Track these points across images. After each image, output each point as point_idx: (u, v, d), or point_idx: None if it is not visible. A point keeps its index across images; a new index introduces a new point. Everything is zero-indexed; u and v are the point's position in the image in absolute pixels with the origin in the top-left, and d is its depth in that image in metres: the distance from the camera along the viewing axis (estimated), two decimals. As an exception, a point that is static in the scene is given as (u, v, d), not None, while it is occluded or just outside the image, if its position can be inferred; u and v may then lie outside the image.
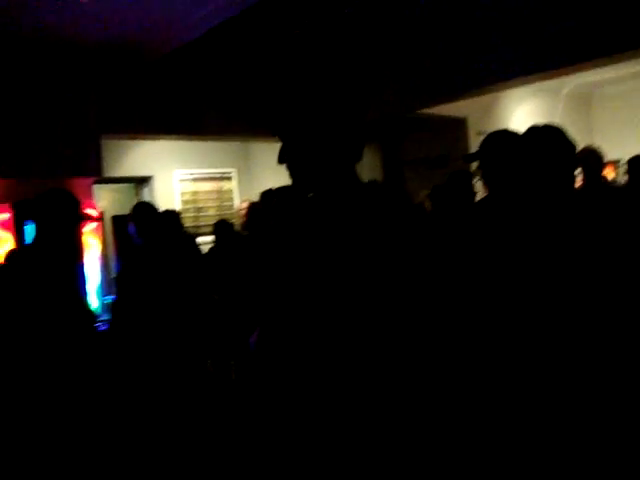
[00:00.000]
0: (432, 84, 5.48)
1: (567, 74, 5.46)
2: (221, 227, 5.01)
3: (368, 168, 6.02)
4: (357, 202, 1.40)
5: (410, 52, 5.55)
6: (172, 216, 4.83)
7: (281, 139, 1.44)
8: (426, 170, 6.64)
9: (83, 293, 2.58)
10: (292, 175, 1.44)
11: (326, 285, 1.35)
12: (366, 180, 1.50)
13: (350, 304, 1.32)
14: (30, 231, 4.47)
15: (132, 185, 7.54)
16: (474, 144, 7.09)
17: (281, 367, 1.43)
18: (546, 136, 2.05)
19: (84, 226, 2.56)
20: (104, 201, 6.86)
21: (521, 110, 7.79)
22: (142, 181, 7.45)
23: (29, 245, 2.44)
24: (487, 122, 6.89)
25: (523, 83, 5.59)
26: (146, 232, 3.80)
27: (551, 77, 5.39)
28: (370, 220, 1.35)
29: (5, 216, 4.66)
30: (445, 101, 5.83)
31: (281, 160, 1.44)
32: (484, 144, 2.24)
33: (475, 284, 1.89)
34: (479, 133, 6.71)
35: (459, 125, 6.95)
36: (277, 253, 1.50)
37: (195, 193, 7.72)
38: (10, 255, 2.47)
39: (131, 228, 3.83)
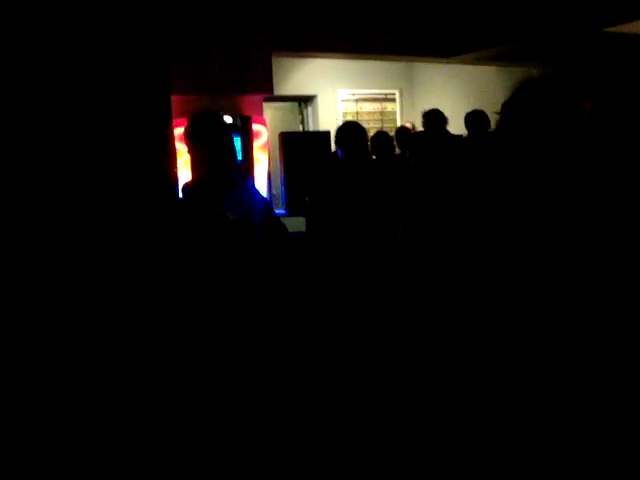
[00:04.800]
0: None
1: None
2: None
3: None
4: None
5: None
6: (385, 138, 4.88)
7: None
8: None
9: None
10: None
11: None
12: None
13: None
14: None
15: (295, 104, 7.78)
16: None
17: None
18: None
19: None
20: (269, 118, 7.17)
21: None
22: (306, 100, 7.65)
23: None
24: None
25: None
26: (355, 155, 3.43)
27: None
28: None
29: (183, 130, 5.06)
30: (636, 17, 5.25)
31: None
32: None
33: None
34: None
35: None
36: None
37: (357, 113, 7.78)
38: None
39: (339, 152, 3.48)
